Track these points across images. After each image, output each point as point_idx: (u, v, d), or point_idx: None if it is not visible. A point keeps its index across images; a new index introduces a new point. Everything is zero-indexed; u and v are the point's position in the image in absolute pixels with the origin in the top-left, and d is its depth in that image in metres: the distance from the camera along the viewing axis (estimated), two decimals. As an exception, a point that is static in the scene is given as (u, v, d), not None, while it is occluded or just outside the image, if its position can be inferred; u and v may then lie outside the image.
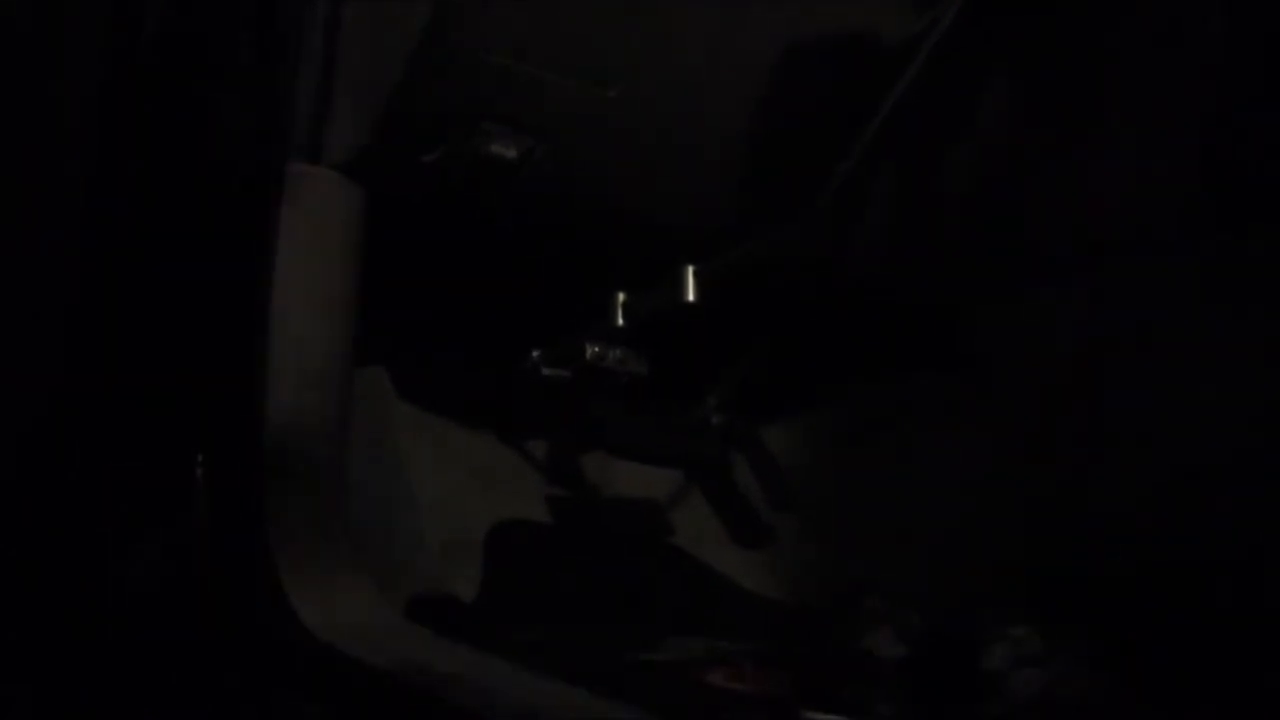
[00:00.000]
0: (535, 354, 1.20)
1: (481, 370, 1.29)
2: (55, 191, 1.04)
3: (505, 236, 1.21)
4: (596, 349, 1.16)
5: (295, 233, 0.97)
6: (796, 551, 1.35)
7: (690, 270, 1.05)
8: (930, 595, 1.08)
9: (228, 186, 1.01)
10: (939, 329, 1.29)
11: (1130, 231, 1.11)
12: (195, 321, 1.01)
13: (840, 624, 1.05)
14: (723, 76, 1.03)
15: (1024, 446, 1.20)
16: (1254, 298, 1.04)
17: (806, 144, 1.07)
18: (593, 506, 1.34)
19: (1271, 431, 1.00)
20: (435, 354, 1.27)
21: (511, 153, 1.01)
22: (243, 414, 0.96)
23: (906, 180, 1.12)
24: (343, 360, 1.01)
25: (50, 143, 1.04)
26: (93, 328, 1.03)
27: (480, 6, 0.94)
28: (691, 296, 1.05)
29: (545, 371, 1.20)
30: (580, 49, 0.98)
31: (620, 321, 1.12)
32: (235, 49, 1.02)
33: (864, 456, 1.36)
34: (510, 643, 0.98)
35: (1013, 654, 0.93)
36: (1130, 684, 0.92)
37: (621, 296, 1.12)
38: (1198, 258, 1.07)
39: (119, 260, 1.03)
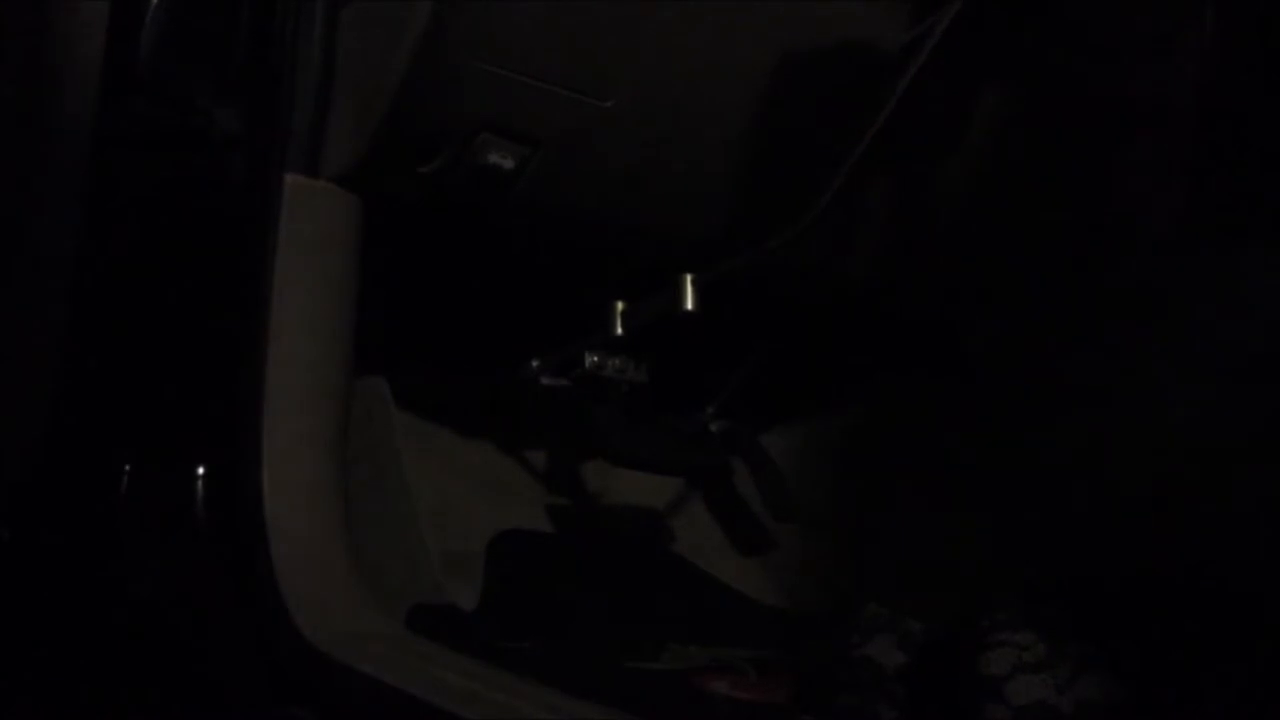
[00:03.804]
0: (534, 363, 1.20)
1: (481, 380, 1.29)
2: (51, 205, 1.04)
3: (503, 246, 1.21)
4: (595, 358, 1.16)
5: (293, 245, 0.97)
6: (797, 559, 1.35)
7: (688, 279, 1.05)
8: (930, 602, 1.08)
9: (225, 199, 1.02)
10: (937, 335, 1.29)
11: (1123, 240, 1.11)
12: (193, 335, 1.02)
13: (841, 631, 1.05)
14: (719, 87, 1.03)
15: (1022, 452, 1.20)
16: (1248, 306, 1.04)
17: (803, 152, 1.07)
18: (593, 515, 1.34)
19: (1267, 437, 1.00)
20: (434, 364, 1.27)
21: (509, 163, 1.01)
22: (242, 426, 0.96)
23: (903, 187, 1.13)
24: (342, 373, 1.01)
25: (46, 157, 1.04)
26: (90, 341, 1.03)
27: (477, 17, 0.94)
28: (690, 305, 1.04)
29: (544, 381, 1.20)
30: (577, 60, 0.98)
31: (619, 330, 1.12)
32: (232, 61, 1.03)
33: (863, 462, 1.37)
34: (511, 652, 0.98)
35: (1013, 660, 0.93)
36: (1132, 689, 0.92)
37: (620, 305, 1.12)
38: (1191, 266, 1.07)
39: (115, 275, 1.04)
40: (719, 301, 1.05)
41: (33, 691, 0.99)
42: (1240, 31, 0.99)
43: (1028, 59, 1.06)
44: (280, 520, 0.94)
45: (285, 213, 0.97)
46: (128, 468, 1.01)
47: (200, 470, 0.98)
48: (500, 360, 1.22)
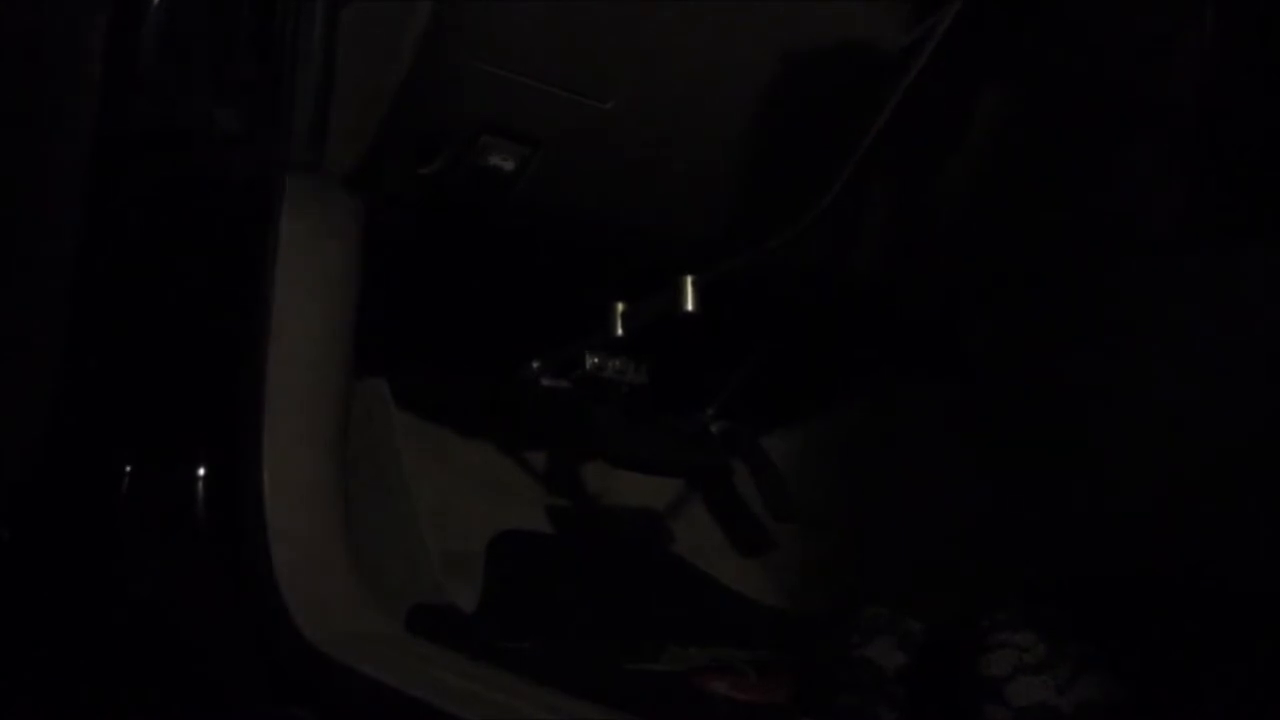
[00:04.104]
0: (535, 364, 1.20)
1: (481, 380, 1.29)
2: (52, 204, 1.04)
3: (503, 246, 1.21)
4: (596, 359, 1.16)
5: (293, 245, 0.97)
6: (797, 559, 1.35)
7: (689, 280, 1.05)
8: (930, 602, 1.08)
9: (226, 199, 1.02)
10: (937, 336, 1.29)
11: (1124, 240, 1.11)
12: (193, 335, 1.02)
13: (841, 632, 1.05)
14: (720, 88, 1.03)
15: (1022, 452, 1.20)
16: (1247, 306, 1.04)
17: (803, 153, 1.07)
18: (593, 516, 1.34)
19: (1267, 437, 1.00)
20: (434, 364, 1.27)
21: (509, 164, 1.01)
22: (243, 426, 0.96)
23: (903, 187, 1.13)
24: (342, 373, 1.01)
25: (46, 157, 1.04)
26: (90, 341, 1.03)
27: (477, 17, 0.94)
28: (691, 306, 1.05)
29: (545, 382, 1.20)
30: (577, 60, 0.98)
31: (619, 331, 1.12)
32: (232, 61, 1.03)
33: (863, 463, 1.37)
34: (510, 653, 0.98)
35: (1014, 661, 0.93)
36: (1132, 689, 0.92)
37: (620, 306, 1.12)
38: (1191, 266, 1.07)
39: (115, 275, 1.03)
40: (719, 302, 1.05)
41: (33, 691, 0.99)
42: (1240, 31, 0.99)
43: (1028, 59, 1.06)
44: (280, 520, 0.94)
45: (286, 213, 0.97)
46: (128, 468, 1.00)
47: (200, 470, 0.98)
48: (500, 361, 1.22)
